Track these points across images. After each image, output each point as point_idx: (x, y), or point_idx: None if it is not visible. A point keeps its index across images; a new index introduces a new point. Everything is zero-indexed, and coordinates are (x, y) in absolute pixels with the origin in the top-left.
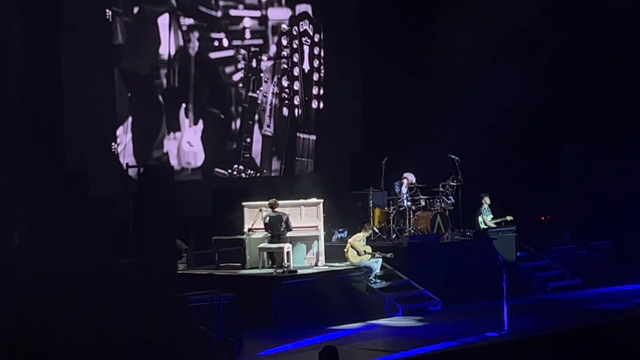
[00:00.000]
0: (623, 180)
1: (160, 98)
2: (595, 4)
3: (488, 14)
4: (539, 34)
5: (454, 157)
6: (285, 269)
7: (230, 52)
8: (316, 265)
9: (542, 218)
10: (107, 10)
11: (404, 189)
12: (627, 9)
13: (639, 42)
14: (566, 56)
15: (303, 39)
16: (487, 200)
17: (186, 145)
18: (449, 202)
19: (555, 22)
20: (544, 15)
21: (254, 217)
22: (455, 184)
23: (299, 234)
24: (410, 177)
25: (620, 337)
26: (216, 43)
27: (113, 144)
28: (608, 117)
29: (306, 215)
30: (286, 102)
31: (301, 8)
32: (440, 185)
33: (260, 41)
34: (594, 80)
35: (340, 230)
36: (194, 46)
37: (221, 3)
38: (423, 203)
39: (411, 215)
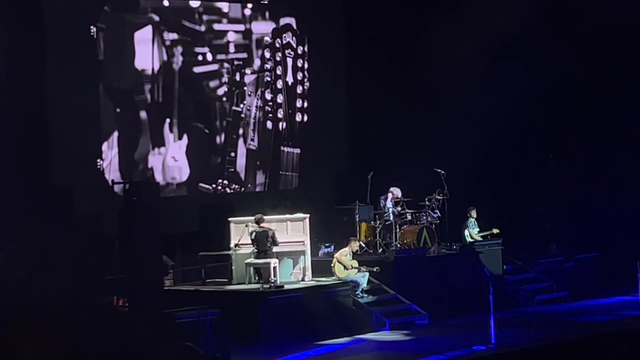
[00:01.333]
0: (609, 192)
1: (145, 113)
2: (578, 18)
3: (474, 29)
4: (524, 48)
5: (440, 170)
6: (272, 284)
7: (214, 67)
8: (303, 280)
9: (530, 230)
10: (92, 27)
11: (390, 203)
12: (611, 23)
13: (623, 55)
14: (552, 69)
15: (286, 51)
16: (473, 214)
17: (171, 160)
18: (435, 215)
19: (540, 37)
20: (529, 29)
21: (240, 232)
22: (441, 197)
23: (285, 249)
24: (396, 192)
25: (608, 348)
26: (200, 57)
27: (98, 160)
28: (593, 130)
29: (292, 230)
30: (270, 115)
31: (285, 20)
32: (427, 199)
33: (244, 55)
34: (580, 93)
35: (327, 244)
36: (178, 61)
37: (205, 17)
38: (409, 217)
39: (397, 229)
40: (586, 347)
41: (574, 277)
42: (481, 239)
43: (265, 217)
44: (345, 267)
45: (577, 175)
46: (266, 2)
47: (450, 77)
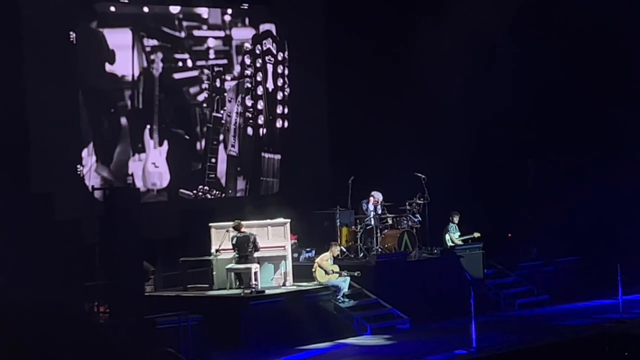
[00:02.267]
0: (589, 196)
1: (125, 119)
2: (563, 22)
3: (454, 35)
4: (508, 51)
5: (420, 175)
6: (253, 290)
7: (195, 73)
8: (284, 285)
9: (509, 235)
10: (71, 33)
11: (372, 207)
12: (595, 27)
13: (606, 60)
14: (531, 73)
15: (266, 57)
16: (455, 219)
17: (151, 166)
18: (415, 220)
19: (524, 40)
20: (513, 32)
21: (221, 237)
22: (421, 202)
23: (266, 254)
24: (377, 196)
25: (588, 352)
26: (180, 64)
27: (78, 166)
28: (572, 134)
29: (273, 235)
30: (250, 121)
31: (265, 27)
32: (407, 203)
33: (224, 61)
34: (558, 97)
35: (308, 249)
36: (158, 67)
37: (185, 24)
38: (390, 221)
39: (378, 234)
40: (567, 350)
41: (554, 281)
42: (462, 243)
43: (245, 222)
44: (326, 272)
45: (557, 179)
46: (246, 7)
47: (432, 82)
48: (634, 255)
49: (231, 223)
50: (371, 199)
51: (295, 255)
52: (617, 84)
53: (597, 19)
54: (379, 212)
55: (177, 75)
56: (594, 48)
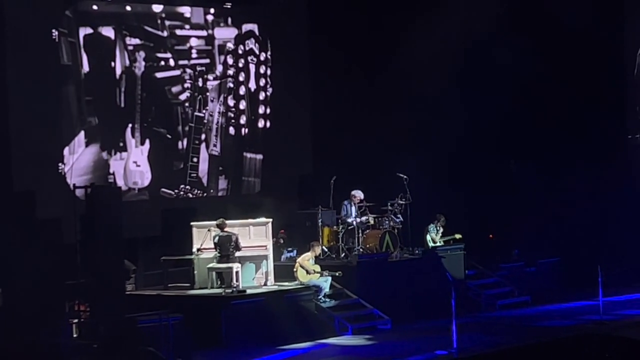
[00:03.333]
0: (570, 198)
1: (107, 118)
2: (539, 26)
3: (437, 36)
4: (488, 53)
5: (402, 175)
6: (234, 289)
7: (177, 72)
8: (265, 284)
9: (490, 236)
10: (54, 31)
11: (353, 208)
12: (572, 30)
13: (585, 62)
14: (515, 73)
15: (249, 57)
16: (441, 223)
17: (133, 165)
18: (397, 220)
19: (502, 42)
20: (491, 34)
21: (203, 237)
22: (403, 202)
23: (247, 254)
24: (358, 194)
25: (569, 353)
26: (162, 63)
27: (60, 164)
28: (554, 135)
29: (255, 235)
30: (233, 121)
31: (247, 27)
32: (389, 203)
33: (206, 60)
34: (541, 99)
35: (289, 249)
36: (140, 66)
37: (167, 23)
38: (372, 221)
39: (360, 234)
40: (547, 351)
41: (535, 282)
42: (443, 244)
43: (227, 222)
44: (307, 272)
45: (538, 181)
46: (229, 7)
47: (415, 83)
48: (615, 257)
49: (213, 222)
50: (353, 198)
51: (281, 241)
52: (600, 86)
53: (579, 20)
54: (361, 212)
55: (159, 75)
56: (578, 50)
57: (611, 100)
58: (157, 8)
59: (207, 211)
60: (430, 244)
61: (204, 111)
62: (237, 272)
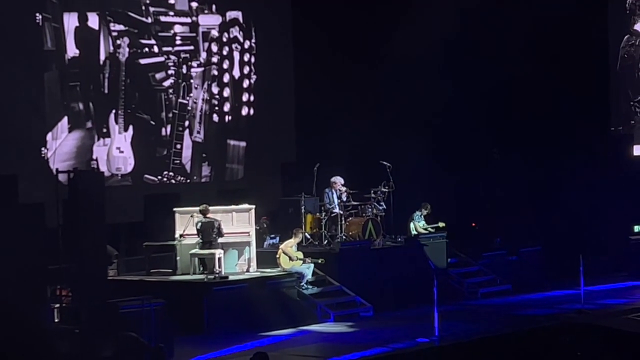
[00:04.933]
0: (551, 187)
1: (90, 104)
2: (524, 18)
3: (419, 26)
4: (472, 45)
5: (385, 163)
6: (217, 275)
7: (161, 58)
8: (248, 271)
9: (473, 224)
10: (37, 14)
11: (336, 195)
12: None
13: (569, 55)
14: (501, 64)
15: (233, 45)
16: (425, 211)
17: (116, 151)
18: (380, 208)
19: (488, 33)
20: (476, 27)
21: (185, 223)
22: (386, 190)
23: (230, 240)
24: (338, 180)
25: (550, 341)
26: (146, 49)
27: (43, 149)
28: (538, 125)
29: (238, 221)
30: (216, 108)
31: (232, 15)
32: (372, 191)
33: (190, 47)
34: (526, 91)
35: (272, 236)
36: (124, 52)
37: (151, 9)
38: (354, 208)
39: (343, 221)
40: (528, 340)
41: (517, 271)
42: (434, 231)
43: (210, 208)
44: (290, 259)
45: (521, 169)
46: None
47: (398, 71)
48: (596, 246)
49: (196, 208)
50: (335, 185)
51: (264, 226)
52: (584, 79)
53: (564, 14)
54: (344, 199)
55: (143, 61)
56: (562, 44)
57: (595, 93)
58: None
59: (190, 197)
60: (414, 232)
61: (187, 98)
62: (219, 258)
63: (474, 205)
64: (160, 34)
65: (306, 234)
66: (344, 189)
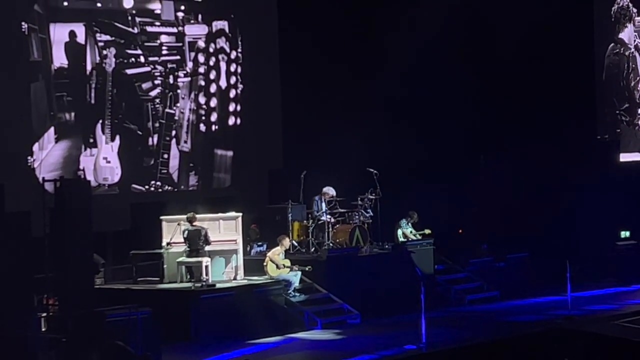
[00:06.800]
0: (538, 193)
1: (77, 114)
2: (510, 26)
3: (405, 34)
4: (459, 48)
5: (372, 170)
6: (204, 283)
7: (147, 68)
8: (235, 279)
9: (460, 231)
10: (23, 24)
11: (324, 204)
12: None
13: (556, 64)
14: (487, 73)
15: (220, 55)
16: (412, 219)
17: (103, 161)
18: (367, 215)
19: (474, 40)
20: (462, 33)
21: (172, 231)
22: (373, 197)
23: (217, 248)
24: (330, 192)
25: (537, 348)
26: (133, 59)
27: (29, 157)
28: (524, 132)
29: (225, 229)
30: (203, 118)
31: (218, 25)
32: (359, 198)
33: (177, 57)
34: (511, 96)
35: (259, 243)
36: (111, 62)
37: (138, 19)
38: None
39: (330, 229)
40: (516, 346)
41: (504, 277)
42: (414, 239)
43: (197, 216)
44: (277, 266)
45: (508, 176)
46: (199, 0)
47: (384, 77)
48: (584, 253)
49: (183, 216)
50: (324, 196)
51: (257, 235)
52: (570, 87)
53: (550, 22)
54: (330, 207)
55: (129, 71)
56: (549, 53)
57: (581, 101)
58: (127, 4)
59: (177, 206)
60: (401, 239)
61: (174, 108)
62: (206, 266)
63: (461, 211)
64: (146, 44)
65: (293, 241)
66: (334, 200)
